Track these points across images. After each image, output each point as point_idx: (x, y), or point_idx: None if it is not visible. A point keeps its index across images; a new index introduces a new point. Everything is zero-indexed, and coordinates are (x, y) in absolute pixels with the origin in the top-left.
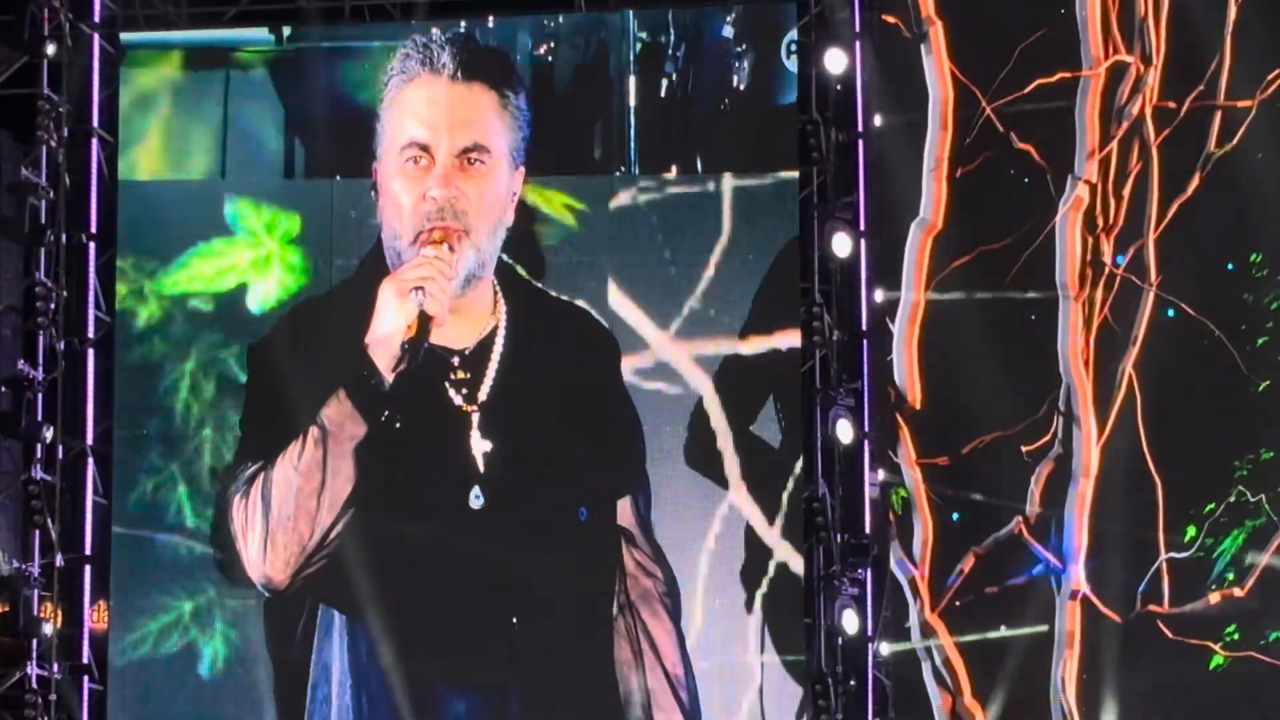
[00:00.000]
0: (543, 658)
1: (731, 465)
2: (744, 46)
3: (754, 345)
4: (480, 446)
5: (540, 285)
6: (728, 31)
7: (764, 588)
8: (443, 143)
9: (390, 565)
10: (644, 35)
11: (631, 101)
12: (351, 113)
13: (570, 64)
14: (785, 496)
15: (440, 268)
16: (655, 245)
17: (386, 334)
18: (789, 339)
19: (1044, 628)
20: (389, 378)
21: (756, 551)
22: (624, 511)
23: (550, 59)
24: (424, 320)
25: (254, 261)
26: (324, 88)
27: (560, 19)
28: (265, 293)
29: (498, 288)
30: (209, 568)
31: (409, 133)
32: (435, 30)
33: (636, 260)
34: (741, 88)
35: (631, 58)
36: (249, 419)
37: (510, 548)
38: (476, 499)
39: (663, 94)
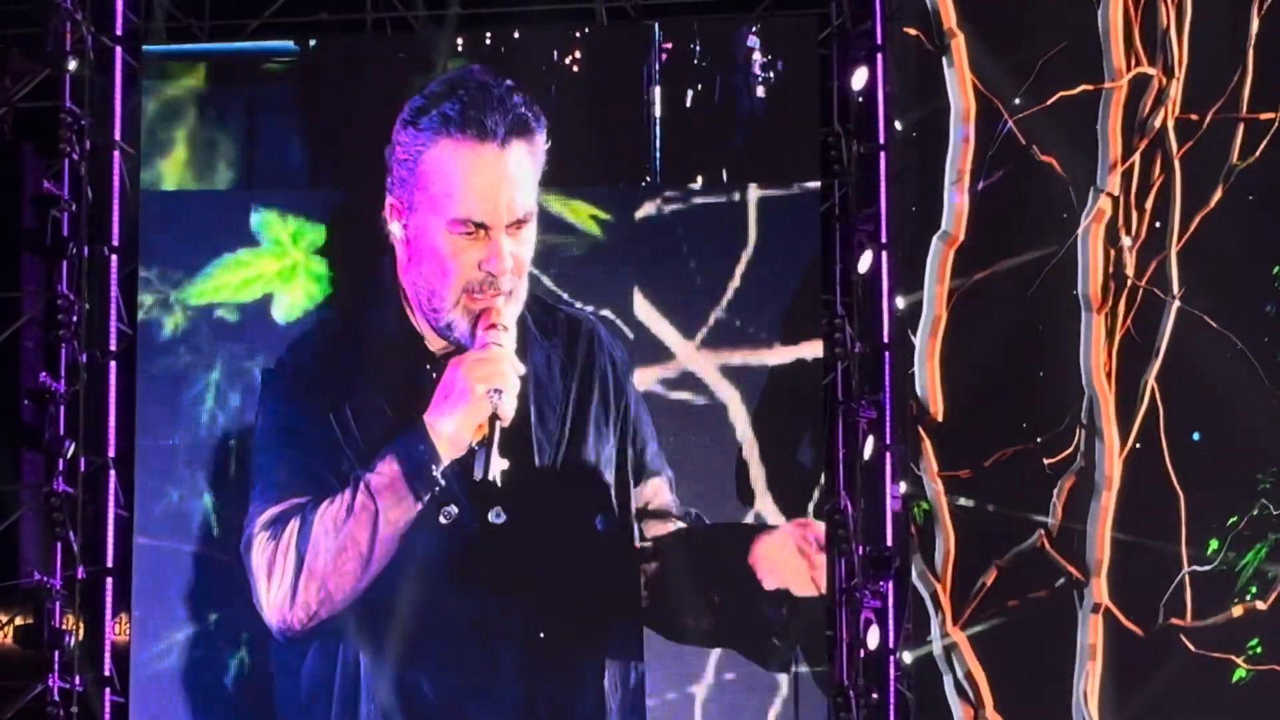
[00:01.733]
0: (568, 671)
1: (758, 476)
2: (770, 57)
3: (781, 355)
4: (498, 465)
5: (549, 299)
6: (753, 42)
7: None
8: (499, 218)
9: (415, 594)
10: (669, 46)
11: (656, 112)
12: (376, 124)
13: (595, 75)
14: (811, 507)
15: (512, 364)
16: (681, 256)
17: (456, 426)
18: (815, 349)
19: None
20: (444, 464)
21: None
22: (661, 493)
23: (575, 69)
24: (493, 422)
25: (280, 272)
26: (348, 98)
27: (587, 29)
28: (291, 303)
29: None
30: (233, 579)
31: (463, 208)
32: (469, 79)
33: (662, 271)
34: (766, 98)
35: (657, 68)
36: (264, 452)
37: (532, 562)
38: (497, 517)
39: (688, 104)
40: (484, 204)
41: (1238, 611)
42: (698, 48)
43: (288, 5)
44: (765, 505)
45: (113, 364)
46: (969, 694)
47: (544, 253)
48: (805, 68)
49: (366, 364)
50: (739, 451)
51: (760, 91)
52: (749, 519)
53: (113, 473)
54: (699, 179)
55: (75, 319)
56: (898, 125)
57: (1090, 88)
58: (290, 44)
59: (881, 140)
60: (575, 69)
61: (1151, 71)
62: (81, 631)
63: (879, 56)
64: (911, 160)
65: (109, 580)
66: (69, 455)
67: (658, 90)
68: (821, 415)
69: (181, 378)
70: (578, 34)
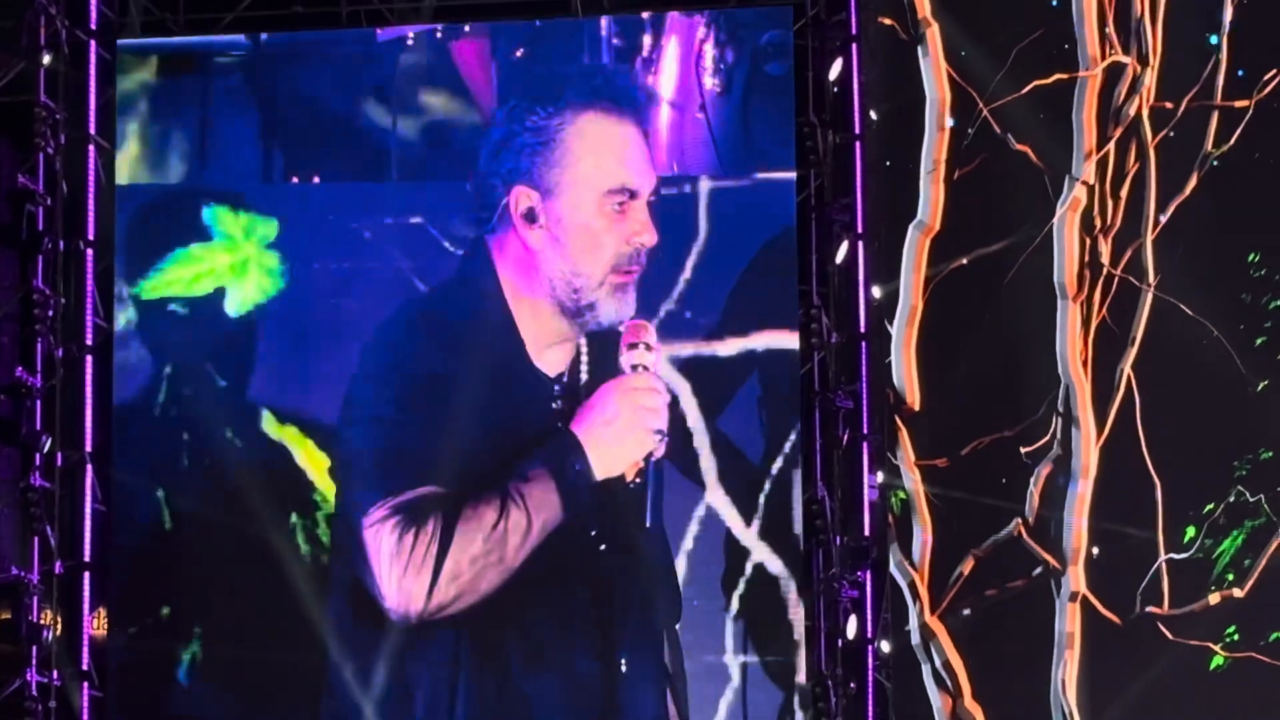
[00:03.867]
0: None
1: (709, 466)
2: (720, 50)
3: (731, 347)
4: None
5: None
6: (702, 33)
7: (741, 589)
8: (645, 187)
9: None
10: (618, 41)
11: None
12: (329, 116)
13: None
14: (763, 498)
15: (665, 399)
16: None
17: (615, 456)
18: (767, 340)
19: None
20: (597, 480)
21: (734, 553)
22: None
23: (527, 63)
24: (648, 460)
25: (231, 266)
26: (301, 92)
27: (537, 24)
28: (243, 297)
29: None
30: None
31: (619, 177)
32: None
33: None
34: (718, 90)
35: (606, 62)
36: (374, 429)
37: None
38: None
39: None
40: (634, 173)
41: (1215, 599)
42: (647, 41)
43: None
44: (716, 497)
45: (89, 358)
46: (947, 683)
47: None
48: (759, 60)
49: (471, 352)
50: (690, 441)
51: (712, 84)
52: (700, 511)
53: (90, 467)
54: None
55: (51, 313)
56: (873, 115)
57: (1065, 76)
58: (243, 38)
59: (857, 130)
60: (526, 62)
61: (1126, 60)
62: (60, 626)
63: (854, 46)
64: (887, 150)
65: (87, 575)
66: (46, 450)
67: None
68: (778, 405)
69: (134, 372)
70: (529, 28)
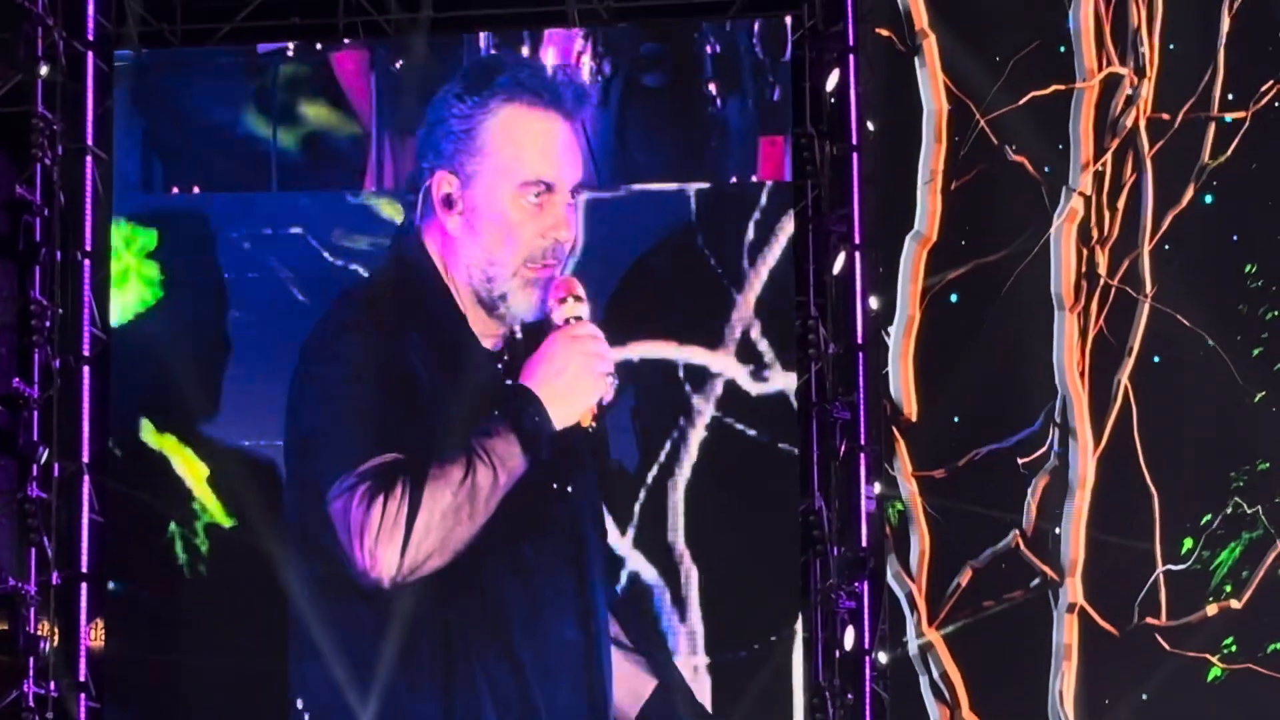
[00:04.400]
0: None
1: None
2: (598, 62)
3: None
4: None
5: None
6: (579, 45)
7: (616, 596)
8: (564, 181)
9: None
10: (496, 54)
11: None
12: (210, 127)
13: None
14: (638, 507)
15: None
16: None
17: (571, 404)
18: (642, 350)
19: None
20: (555, 429)
21: (609, 561)
22: None
23: (405, 74)
24: (603, 409)
25: (113, 276)
26: (183, 102)
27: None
28: (123, 306)
29: None
30: None
31: (533, 169)
32: (515, 59)
33: None
34: (595, 102)
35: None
36: (329, 405)
37: (585, 554)
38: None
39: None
40: (553, 166)
41: (1212, 610)
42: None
43: (259, 9)
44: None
45: (86, 369)
46: (945, 694)
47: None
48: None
49: (415, 328)
50: None
51: (596, 97)
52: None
53: (87, 478)
54: None
55: (48, 324)
56: (870, 126)
57: (1062, 87)
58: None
59: (854, 141)
60: (400, 70)
61: (1123, 71)
62: (57, 637)
63: (851, 57)
64: (884, 161)
65: (84, 585)
66: (43, 460)
67: None
68: (654, 415)
69: None
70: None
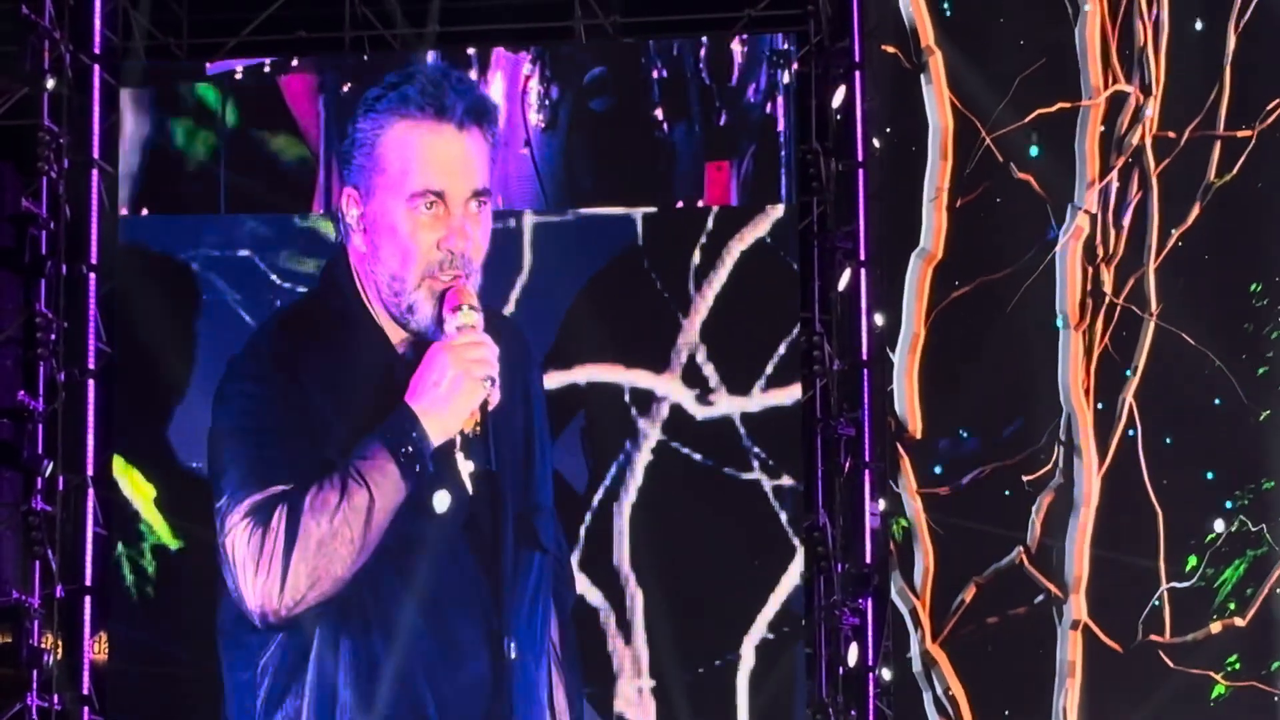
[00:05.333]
0: (528, 676)
1: None
2: (546, 86)
3: (554, 380)
4: (465, 467)
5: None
6: (527, 69)
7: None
8: (457, 190)
9: (391, 590)
10: (482, 97)
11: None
12: (159, 148)
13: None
14: (584, 529)
15: (492, 348)
16: None
17: (447, 412)
18: (590, 374)
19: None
20: (434, 445)
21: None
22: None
23: (354, 96)
24: (484, 409)
25: None
26: (131, 123)
27: (365, 58)
28: None
29: None
30: None
31: (422, 180)
32: (427, 67)
33: None
34: (543, 126)
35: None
36: (230, 440)
37: (505, 568)
38: (466, 519)
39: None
40: (442, 175)
41: (1216, 628)
42: (473, 72)
43: (265, 24)
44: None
45: (91, 382)
46: (949, 711)
47: None
48: (635, 95)
49: (334, 351)
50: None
51: (539, 120)
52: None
53: (91, 491)
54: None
55: (54, 337)
56: (876, 143)
57: (1068, 105)
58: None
59: (860, 157)
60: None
61: (1129, 89)
62: (60, 650)
63: (857, 74)
64: (890, 177)
65: (87, 599)
66: (47, 474)
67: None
68: (602, 438)
69: None
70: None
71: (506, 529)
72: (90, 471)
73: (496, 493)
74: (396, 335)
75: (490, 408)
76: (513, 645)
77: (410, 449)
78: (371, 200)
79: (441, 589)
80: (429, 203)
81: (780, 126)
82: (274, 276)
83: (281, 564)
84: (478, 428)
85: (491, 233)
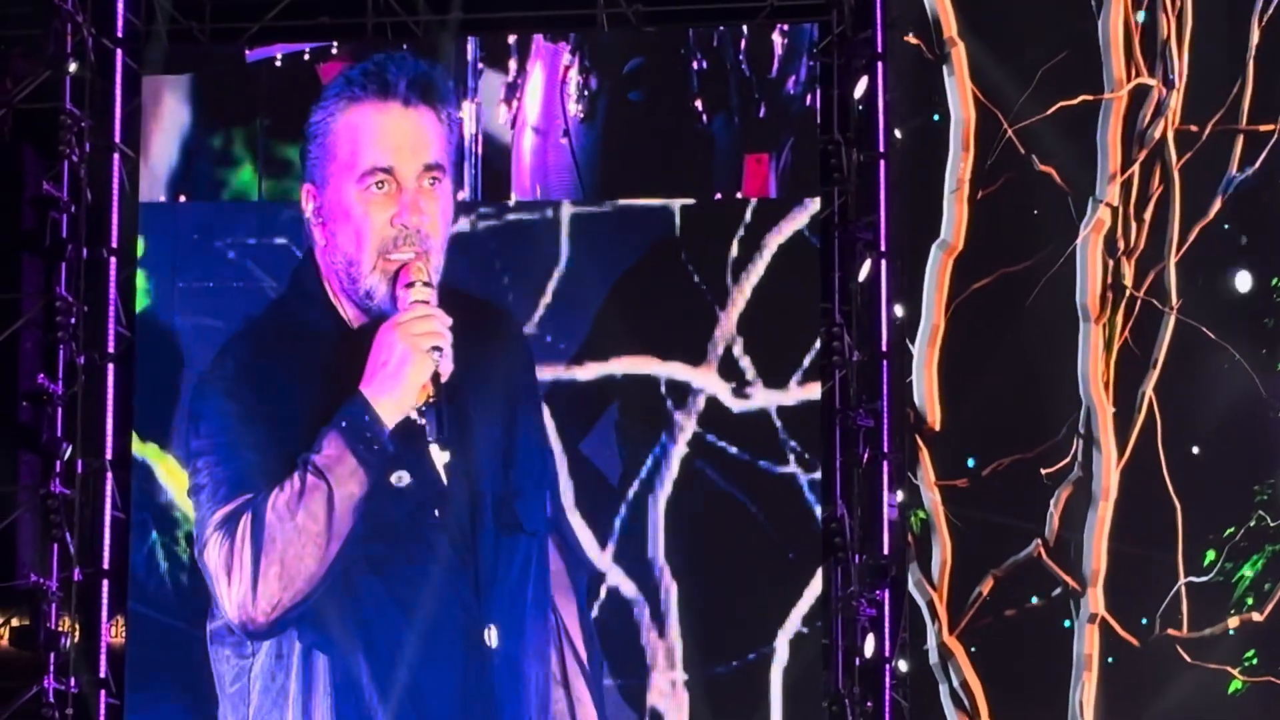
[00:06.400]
0: (513, 665)
1: (566, 489)
2: (585, 77)
3: (590, 371)
4: (440, 458)
5: (463, 290)
6: (566, 60)
7: (595, 612)
8: (406, 165)
9: (369, 589)
10: (484, 66)
11: (470, 129)
12: (197, 135)
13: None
14: (618, 522)
15: (443, 319)
16: (494, 271)
17: (399, 389)
18: (626, 365)
19: None
20: (390, 429)
21: (590, 576)
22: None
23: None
24: (437, 381)
25: None
26: (175, 111)
27: (404, 46)
28: None
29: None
30: None
31: (369, 158)
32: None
33: (475, 286)
34: (581, 116)
35: (473, 84)
36: (207, 454)
37: (484, 557)
38: (440, 512)
39: (502, 121)
40: (390, 152)
41: (1234, 623)
42: (514, 64)
43: (288, 9)
44: (576, 520)
45: (111, 366)
46: (965, 703)
47: None
48: (674, 86)
49: (302, 355)
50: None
51: (575, 110)
52: (555, 534)
53: (110, 475)
54: (513, 196)
55: (74, 321)
56: (897, 133)
57: (1090, 98)
58: None
59: (881, 148)
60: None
61: (1151, 82)
62: (78, 633)
63: (879, 65)
64: (911, 168)
65: (105, 582)
66: (66, 457)
67: (469, 106)
68: (637, 430)
69: None
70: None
71: (484, 515)
72: (109, 455)
73: (470, 478)
74: (359, 320)
75: (443, 379)
76: (493, 632)
77: (366, 434)
78: (326, 189)
79: (418, 579)
80: (379, 181)
81: (820, 116)
82: None
83: (251, 570)
84: (429, 400)
85: (529, 223)
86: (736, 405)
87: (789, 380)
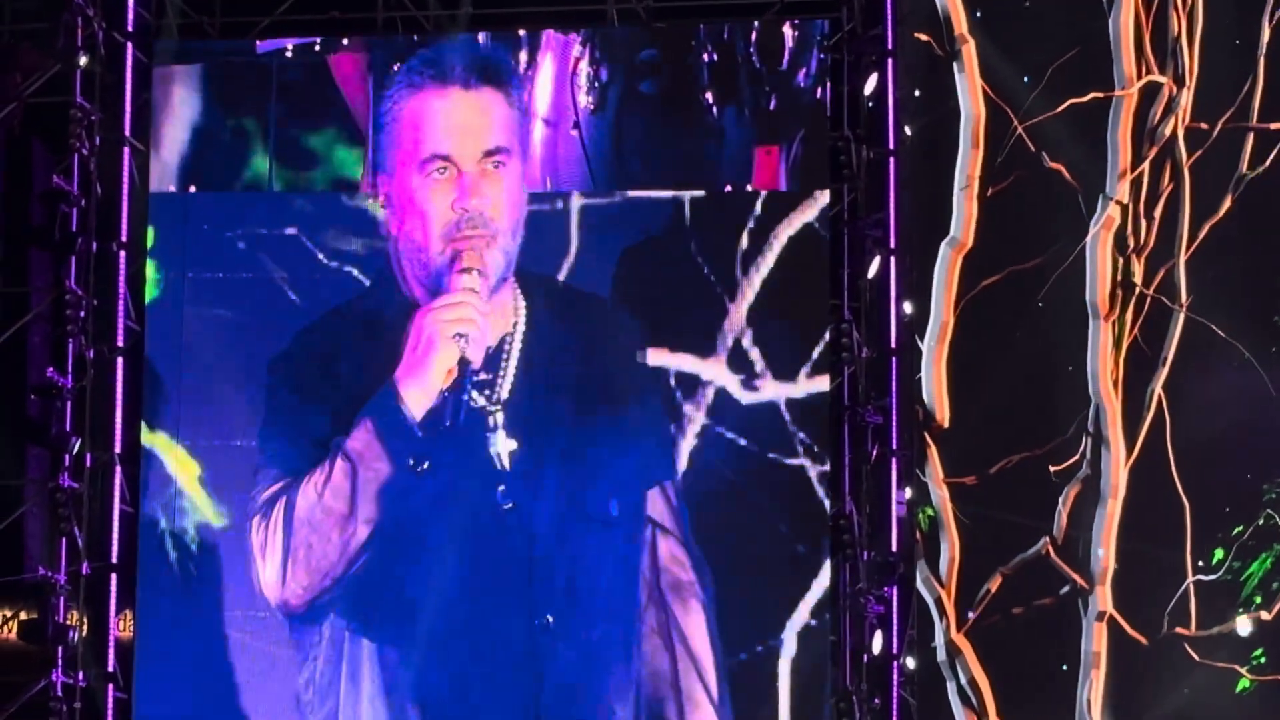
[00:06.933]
0: (574, 656)
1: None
2: (595, 68)
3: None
4: (506, 445)
5: (560, 279)
6: (577, 51)
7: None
8: (466, 151)
9: (419, 578)
10: (488, 56)
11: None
12: (206, 126)
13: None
14: None
15: (478, 307)
16: None
17: (424, 376)
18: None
19: None
20: (419, 416)
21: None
22: (654, 502)
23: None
24: (463, 366)
25: None
26: (186, 102)
27: (415, 38)
28: None
29: (516, 286)
30: None
31: (429, 146)
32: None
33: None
34: (592, 108)
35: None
36: (267, 435)
37: (543, 545)
38: (504, 499)
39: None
40: (449, 138)
41: (1242, 621)
42: (524, 57)
43: (299, 3)
44: None
45: (120, 360)
46: (972, 700)
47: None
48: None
49: (374, 342)
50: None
51: (586, 102)
52: None
53: (118, 468)
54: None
55: (83, 314)
56: (907, 130)
57: (1101, 95)
58: None
59: (891, 145)
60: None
61: (1162, 80)
62: (85, 627)
63: (889, 61)
64: (920, 165)
65: (113, 576)
66: (75, 451)
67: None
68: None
69: None
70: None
71: (545, 500)
72: (118, 449)
73: (537, 467)
74: None
75: (473, 366)
76: (549, 617)
77: (392, 420)
78: (395, 178)
79: (470, 566)
80: (440, 167)
81: (829, 112)
82: (321, 255)
83: (282, 550)
84: (453, 386)
85: (539, 214)
86: (746, 397)
87: (798, 373)
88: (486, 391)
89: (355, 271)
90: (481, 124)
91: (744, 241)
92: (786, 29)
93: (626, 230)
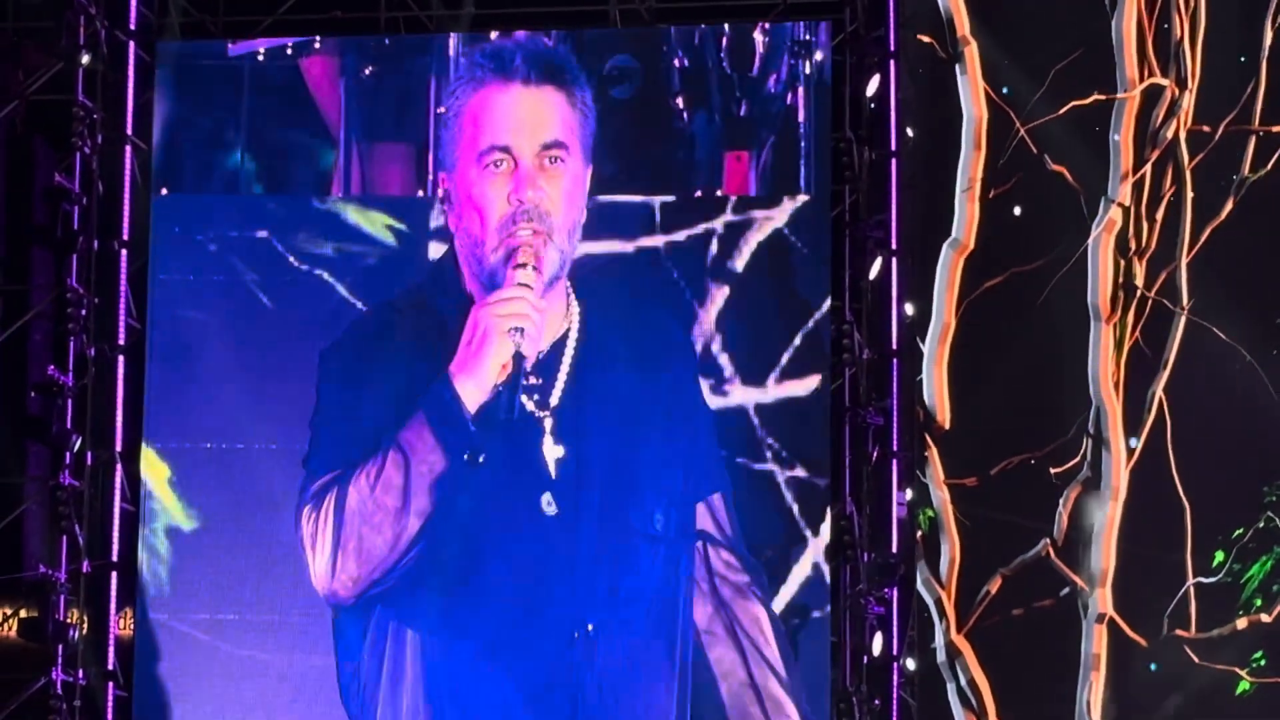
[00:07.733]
0: (618, 665)
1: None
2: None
3: None
4: (553, 452)
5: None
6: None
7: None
8: (524, 143)
9: (462, 576)
10: (466, 60)
11: None
12: (176, 128)
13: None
14: None
15: (533, 302)
16: None
17: (479, 370)
18: None
19: None
20: (473, 410)
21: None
22: (702, 515)
23: (375, 80)
24: (518, 362)
25: None
26: (157, 104)
27: (386, 41)
28: None
29: (570, 289)
30: None
31: (488, 138)
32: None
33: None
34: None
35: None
36: (320, 426)
37: (585, 554)
38: (550, 506)
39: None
40: (506, 131)
41: (1242, 624)
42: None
43: (301, 3)
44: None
45: (121, 358)
46: (972, 702)
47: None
48: (656, 84)
49: (427, 337)
50: None
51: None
52: None
53: (119, 467)
54: None
55: (84, 313)
56: (909, 132)
57: (1103, 97)
58: None
59: (893, 147)
60: (370, 76)
61: (1164, 82)
62: (86, 626)
63: (892, 63)
64: (922, 167)
65: (114, 574)
66: (76, 449)
67: None
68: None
69: None
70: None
71: (589, 510)
72: (119, 447)
73: (583, 474)
74: None
75: (526, 362)
76: (589, 625)
77: (446, 414)
78: (454, 174)
79: (514, 569)
80: (497, 160)
81: (801, 117)
82: (291, 258)
83: (332, 541)
84: (507, 381)
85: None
86: (715, 402)
87: (767, 378)
88: (536, 396)
89: (326, 275)
90: (541, 118)
91: (714, 247)
92: (757, 35)
93: (597, 235)
